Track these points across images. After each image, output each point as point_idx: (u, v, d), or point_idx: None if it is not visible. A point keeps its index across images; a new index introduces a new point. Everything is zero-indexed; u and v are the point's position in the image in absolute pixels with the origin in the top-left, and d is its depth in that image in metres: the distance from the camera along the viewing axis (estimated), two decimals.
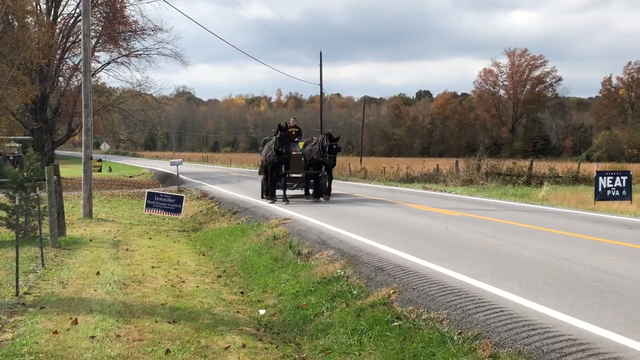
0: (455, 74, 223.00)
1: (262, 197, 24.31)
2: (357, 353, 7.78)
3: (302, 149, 24.15)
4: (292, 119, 25.99)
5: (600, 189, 23.25)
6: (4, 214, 16.17)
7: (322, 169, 23.21)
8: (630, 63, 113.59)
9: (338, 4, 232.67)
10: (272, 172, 22.57)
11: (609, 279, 9.49)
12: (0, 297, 10.32)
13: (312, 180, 24.30)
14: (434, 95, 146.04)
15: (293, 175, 24.02)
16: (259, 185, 25.20)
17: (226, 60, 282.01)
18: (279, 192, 22.85)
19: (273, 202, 22.22)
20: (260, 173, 26.39)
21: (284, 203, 21.82)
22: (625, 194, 23.29)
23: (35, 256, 13.60)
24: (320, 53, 64.67)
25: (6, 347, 7.79)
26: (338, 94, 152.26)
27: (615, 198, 23.04)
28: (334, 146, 22.44)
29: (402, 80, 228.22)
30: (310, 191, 24.51)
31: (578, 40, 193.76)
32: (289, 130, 23.70)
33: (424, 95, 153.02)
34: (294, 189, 24.81)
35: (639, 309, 7.71)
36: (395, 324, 8.12)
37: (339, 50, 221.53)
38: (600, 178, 23.61)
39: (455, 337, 7.22)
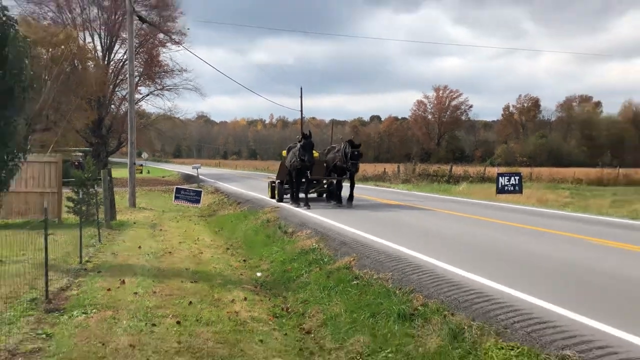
0: (400, 102, 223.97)
1: (272, 197, 20.80)
2: (327, 303, 7.81)
3: (324, 156, 19.82)
4: (297, 137, 19.34)
5: (500, 185, 23.56)
6: (71, 204, 16.05)
7: (347, 174, 18.38)
8: (520, 96, 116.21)
9: (320, 52, 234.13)
10: (297, 178, 17.96)
11: (504, 248, 9.64)
12: (69, 264, 10.28)
13: (331, 185, 19.85)
14: (383, 119, 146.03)
15: (314, 180, 19.32)
16: (257, 184, 24.78)
17: (235, 92, 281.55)
18: (302, 195, 18.13)
19: (298, 206, 17.36)
20: (278, 177, 20.63)
21: (305, 207, 17.05)
22: (517, 189, 23.62)
23: (94, 235, 13.52)
24: (301, 88, 64.83)
25: (73, 300, 7.80)
26: (314, 117, 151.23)
27: (510, 192, 23.35)
28: (356, 152, 17.50)
29: (363, 107, 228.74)
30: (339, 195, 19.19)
31: (490, 78, 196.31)
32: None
33: (374, 119, 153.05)
34: (310, 193, 19.82)
35: (522, 268, 7.84)
36: (354, 282, 8.15)
37: (319, 85, 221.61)
38: (500, 178, 23.93)
39: (397, 292, 7.27)
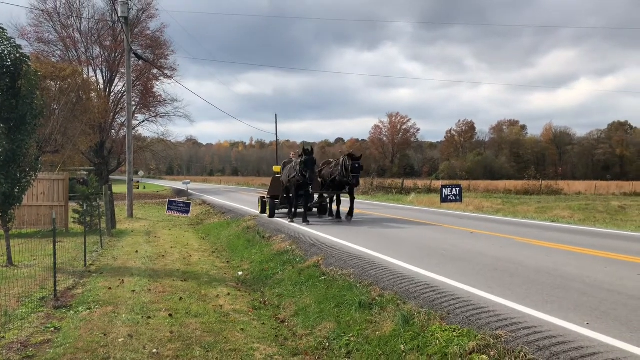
0: (360, 126, 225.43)
1: (263, 213, 18.13)
2: (298, 296, 7.79)
3: (319, 172, 16.66)
4: (292, 153, 17.18)
5: (443, 196, 23.84)
6: (76, 215, 15.74)
7: (346, 189, 15.74)
8: (459, 120, 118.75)
9: (294, 83, 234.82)
10: (296, 193, 15.20)
11: (448, 248, 9.75)
12: (74, 267, 10.06)
13: (331, 199, 17.05)
14: (346, 140, 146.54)
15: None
16: (239, 196, 24.45)
17: (220, 119, 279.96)
18: (300, 210, 15.75)
19: (305, 223, 14.36)
20: (269, 193, 17.45)
21: (304, 224, 14.28)
22: (458, 198, 23.95)
23: (96, 242, 13.25)
24: (276, 115, 65.42)
25: (78, 297, 7.63)
26: (287, 140, 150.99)
27: (452, 201, 23.65)
28: (357, 165, 14.92)
29: (329, 130, 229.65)
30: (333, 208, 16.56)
31: (436, 106, 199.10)
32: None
33: (339, 140, 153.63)
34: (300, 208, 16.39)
35: (462, 263, 7.95)
36: (322, 278, 8.15)
37: (292, 113, 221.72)
38: (444, 189, 24.22)
39: (358, 285, 7.28)
